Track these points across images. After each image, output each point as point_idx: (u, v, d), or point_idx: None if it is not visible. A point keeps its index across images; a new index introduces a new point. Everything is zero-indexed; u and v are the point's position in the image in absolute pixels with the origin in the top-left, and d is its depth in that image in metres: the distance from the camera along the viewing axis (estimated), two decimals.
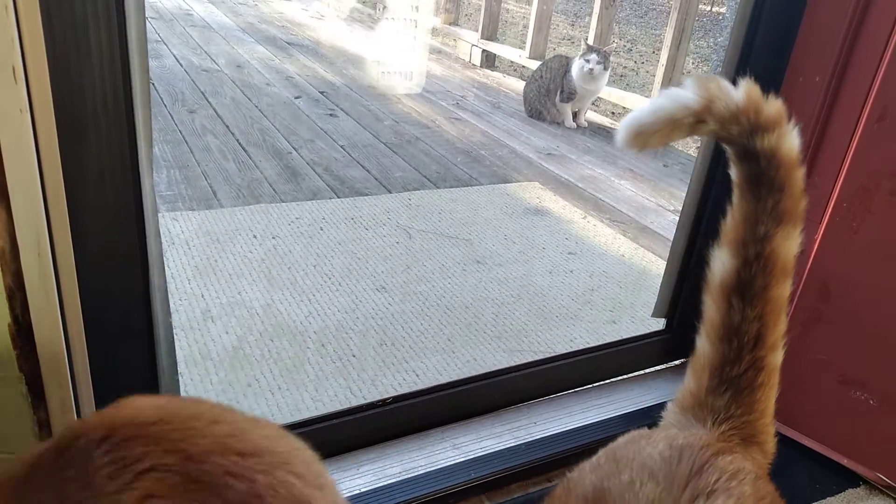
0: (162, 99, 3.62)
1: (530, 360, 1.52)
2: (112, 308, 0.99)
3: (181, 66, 4.31)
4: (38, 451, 0.59)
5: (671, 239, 1.64)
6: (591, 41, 4.33)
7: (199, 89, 3.89)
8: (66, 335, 0.92)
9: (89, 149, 0.90)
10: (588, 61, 3.85)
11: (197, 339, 1.72)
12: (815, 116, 1.36)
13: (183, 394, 1.48)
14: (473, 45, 5.51)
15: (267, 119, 3.56)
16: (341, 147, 3.29)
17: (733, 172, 0.80)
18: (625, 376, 1.63)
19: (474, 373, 1.48)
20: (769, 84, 1.36)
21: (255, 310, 1.88)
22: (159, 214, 2.02)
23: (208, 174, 2.76)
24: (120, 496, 0.54)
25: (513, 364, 1.50)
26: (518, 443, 1.38)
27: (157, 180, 2.43)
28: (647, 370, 1.66)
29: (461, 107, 4.27)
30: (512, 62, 5.34)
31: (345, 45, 5.77)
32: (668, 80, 4.12)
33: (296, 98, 3.97)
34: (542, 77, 4.10)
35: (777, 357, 0.83)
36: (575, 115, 4.11)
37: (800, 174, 0.77)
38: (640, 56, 7.18)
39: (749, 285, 0.78)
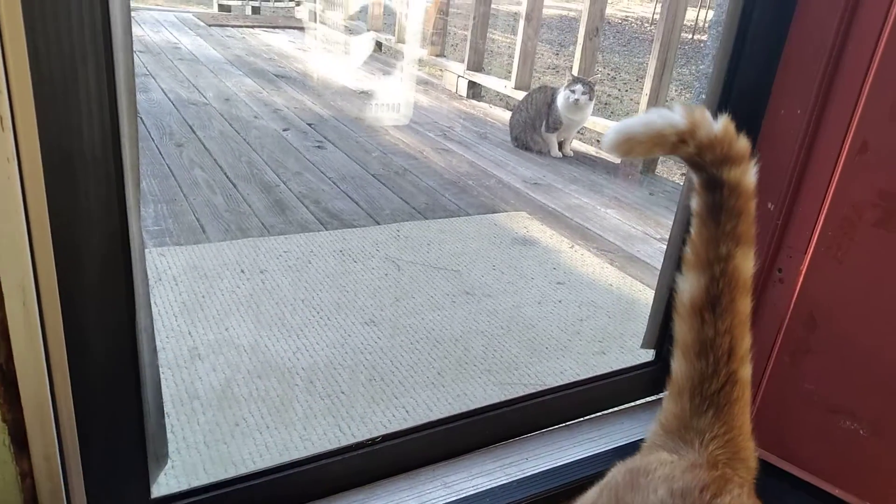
0: (150, 133, 3.63)
1: (521, 393, 1.52)
2: (98, 353, 0.98)
3: (169, 99, 4.32)
4: None
5: (658, 267, 1.65)
6: (575, 71, 4.38)
7: (186, 123, 3.90)
8: (50, 383, 0.91)
9: (76, 194, 0.89)
10: (573, 91, 3.89)
11: (184, 378, 1.70)
12: (797, 148, 1.37)
13: (169, 436, 1.46)
14: (460, 75, 5.56)
15: (255, 152, 3.57)
16: (329, 179, 3.29)
17: (695, 202, 0.87)
18: (615, 408, 1.62)
19: (465, 408, 1.47)
20: (752, 116, 1.40)
21: (243, 347, 1.86)
22: (146, 250, 2.01)
23: (196, 208, 2.76)
24: None
25: (503, 399, 1.49)
26: (510, 480, 1.37)
27: (144, 215, 2.42)
28: (638, 402, 1.65)
29: (448, 137, 4.30)
30: (498, 92, 5.40)
31: (332, 76, 5.82)
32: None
33: (284, 130, 3.99)
34: (527, 107, 4.14)
35: (747, 371, 0.88)
36: (560, 145, 4.14)
37: (753, 204, 0.86)
38: (624, 84, 7.28)
39: (718, 299, 0.85)
